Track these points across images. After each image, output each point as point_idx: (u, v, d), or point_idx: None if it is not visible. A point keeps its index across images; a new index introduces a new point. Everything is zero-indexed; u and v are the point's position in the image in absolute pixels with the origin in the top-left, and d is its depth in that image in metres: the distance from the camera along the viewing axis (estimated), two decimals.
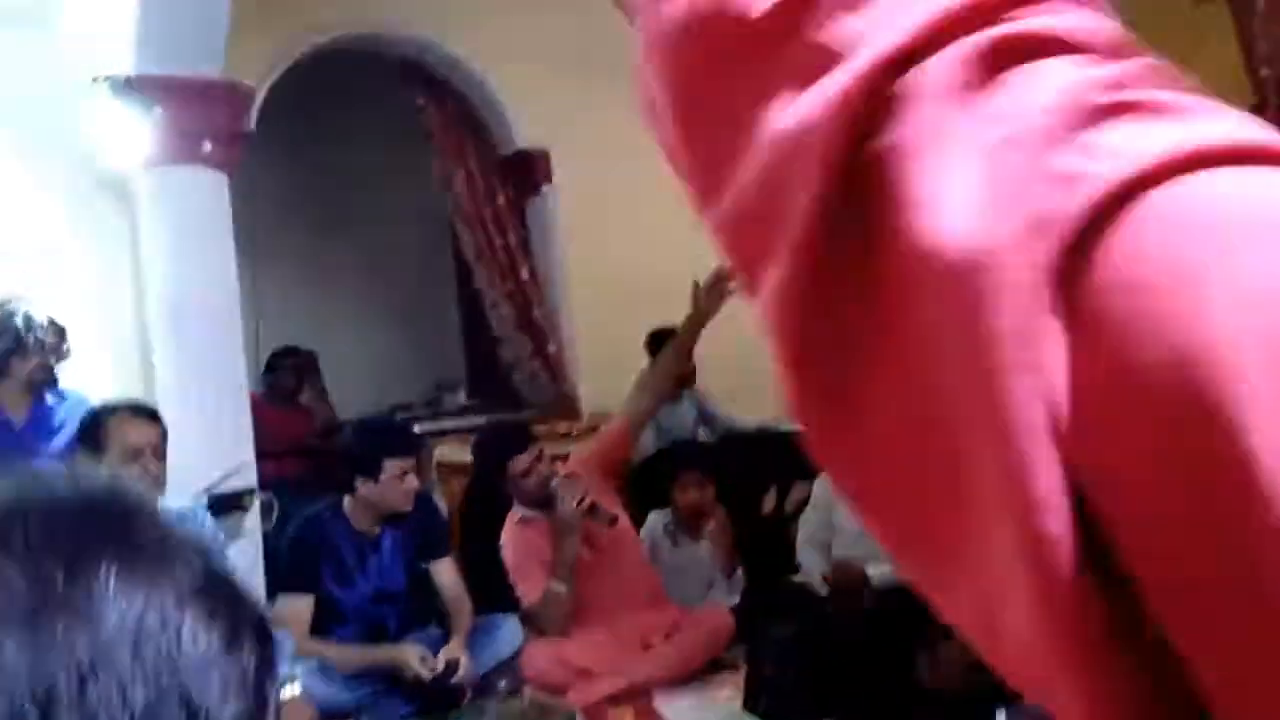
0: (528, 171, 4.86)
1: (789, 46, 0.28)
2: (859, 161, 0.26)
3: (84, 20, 3.60)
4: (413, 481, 2.78)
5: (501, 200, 4.85)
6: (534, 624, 2.95)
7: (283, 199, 5.24)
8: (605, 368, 4.60)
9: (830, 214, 0.26)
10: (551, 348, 4.78)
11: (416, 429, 4.44)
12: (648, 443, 4.49)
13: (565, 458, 3.37)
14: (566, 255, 4.90)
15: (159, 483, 2.43)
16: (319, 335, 5.33)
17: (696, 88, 0.31)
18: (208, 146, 3.50)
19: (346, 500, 2.82)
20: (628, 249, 4.98)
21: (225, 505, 3.11)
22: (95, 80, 3.36)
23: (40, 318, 2.97)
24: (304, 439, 4.74)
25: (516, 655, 2.84)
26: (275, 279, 5.34)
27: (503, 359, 4.88)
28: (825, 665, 2.44)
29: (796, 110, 0.27)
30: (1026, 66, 0.25)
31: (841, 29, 0.27)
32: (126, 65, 3.43)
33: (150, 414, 2.47)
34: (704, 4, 0.30)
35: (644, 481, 4.03)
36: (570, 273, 4.90)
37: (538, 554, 2.95)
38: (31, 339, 2.89)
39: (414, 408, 4.99)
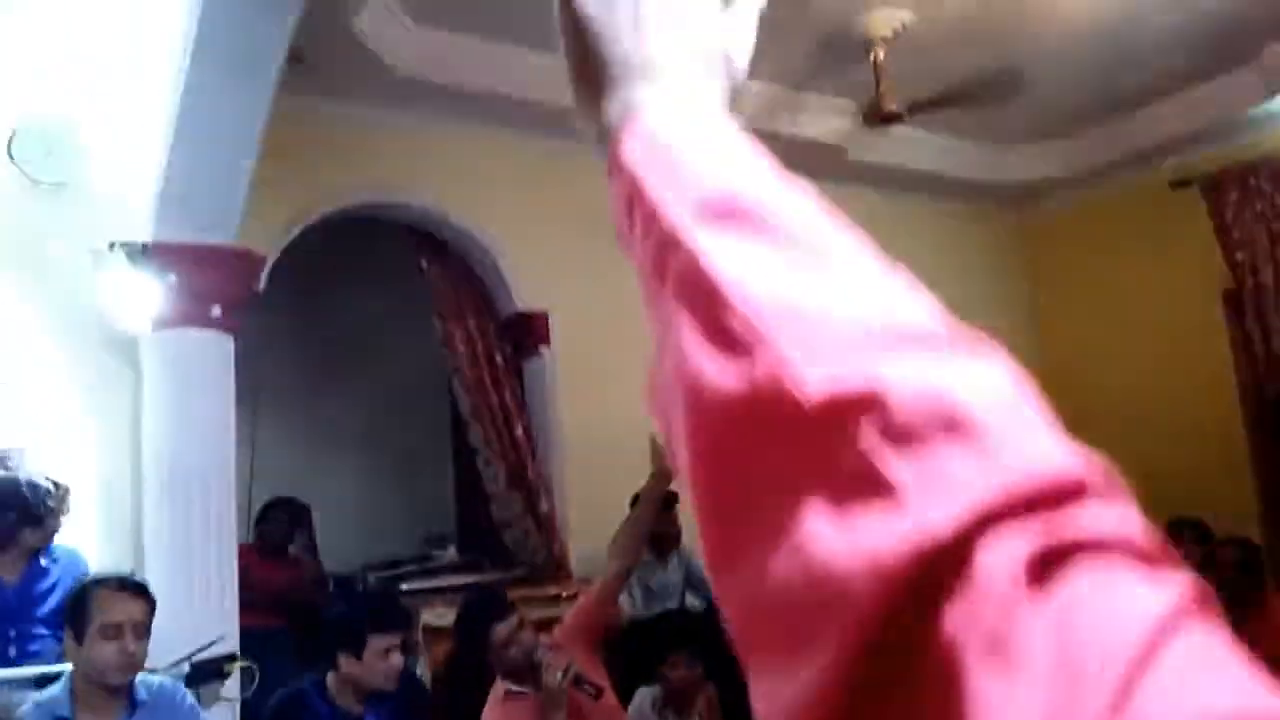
0: (526, 332, 4.97)
1: (835, 449, 0.29)
2: (903, 628, 0.26)
3: (107, 186, 3.78)
4: (397, 660, 2.74)
5: (500, 360, 4.95)
6: None
7: (285, 351, 5.34)
8: (597, 529, 4.58)
9: (866, 665, 0.26)
10: (544, 507, 4.78)
11: (404, 587, 4.42)
12: (637, 605, 4.46)
13: (551, 625, 3.34)
14: (562, 416, 4.96)
15: (137, 661, 2.41)
16: (312, 486, 5.34)
17: (728, 452, 0.32)
18: (217, 311, 3.61)
19: (330, 676, 2.78)
20: (623, 411, 5.01)
21: (206, 672, 3.07)
22: (113, 246, 3.49)
23: (44, 481, 3.00)
24: (290, 592, 4.71)
25: None
26: (273, 429, 5.39)
27: (495, 517, 4.87)
28: None
29: (836, 551, 0.27)
30: (1084, 573, 0.26)
31: (891, 462, 0.28)
32: (144, 231, 3.57)
33: (138, 588, 2.47)
34: (759, 376, 0.30)
35: (632, 648, 3.98)
36: (565, 434, 4.95)
37: None
38: (42, 508, 2.93)
39: (403, 564, 4.95)
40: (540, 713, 2.83)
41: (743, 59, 0.49)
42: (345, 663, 2.74)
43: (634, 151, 0.42)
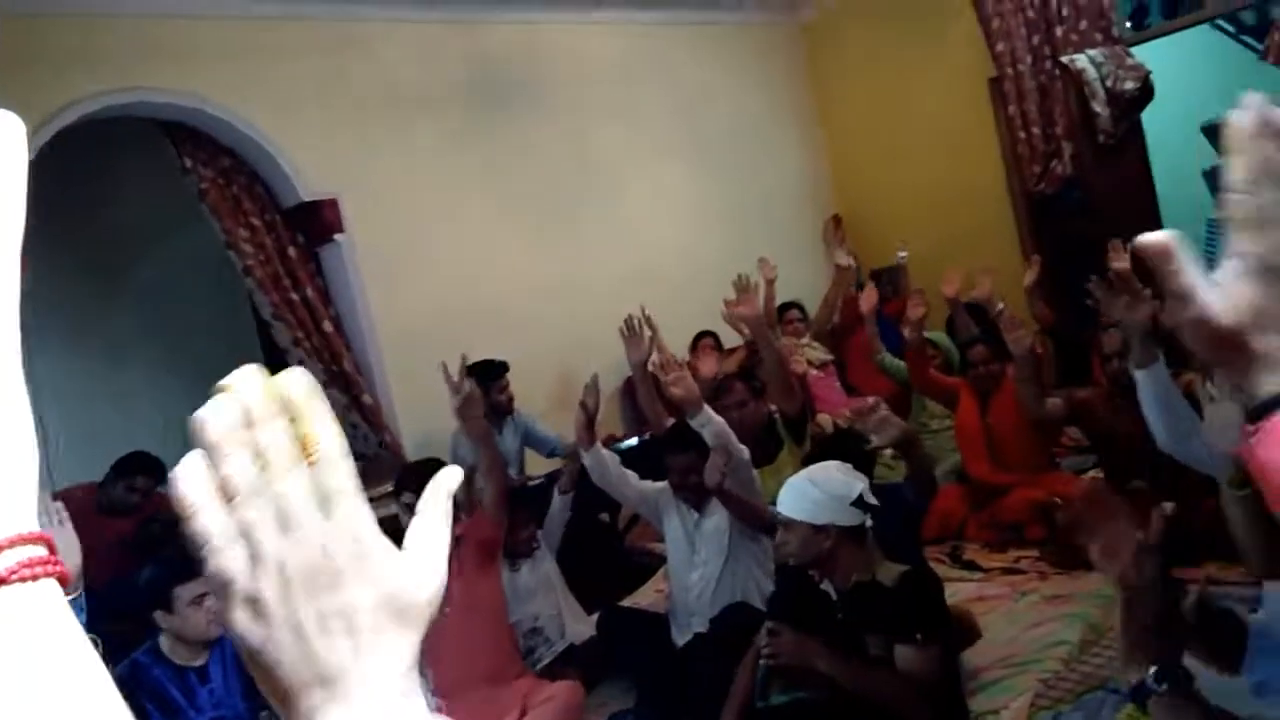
0: (316, 222, 4.74)
1: None
2: None
3: None
4: (212, 604, 2.74)
5: (293, 254, 4.72)
6: None
7: (54, 275, 4.90)
8: (424, 410, 4.61)
9: None
10: (367, 399, 4.74)
11: None
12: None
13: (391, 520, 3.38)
14: (369, 303, 4.84)
15: None
16: (115, 413, 5.07)
17: None
18: None
19: (160, 638, 2.78)
20: (430, 288, 4.98)
21: None
22: None
23: None
24: (138, 535, 4.50)
25: None
26: (55, 356, 5.03)
27: None
28: None
29: None
30: None
31: None
32: None
33: None
34: None
35: None
36: (376, 320, 4.85)
37: None
38: None
39: None
40: None
41: (425, 592, 0.52)
42: (163, 620, 2.74)
43: None
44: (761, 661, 2.48)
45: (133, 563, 4.30)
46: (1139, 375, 2.36)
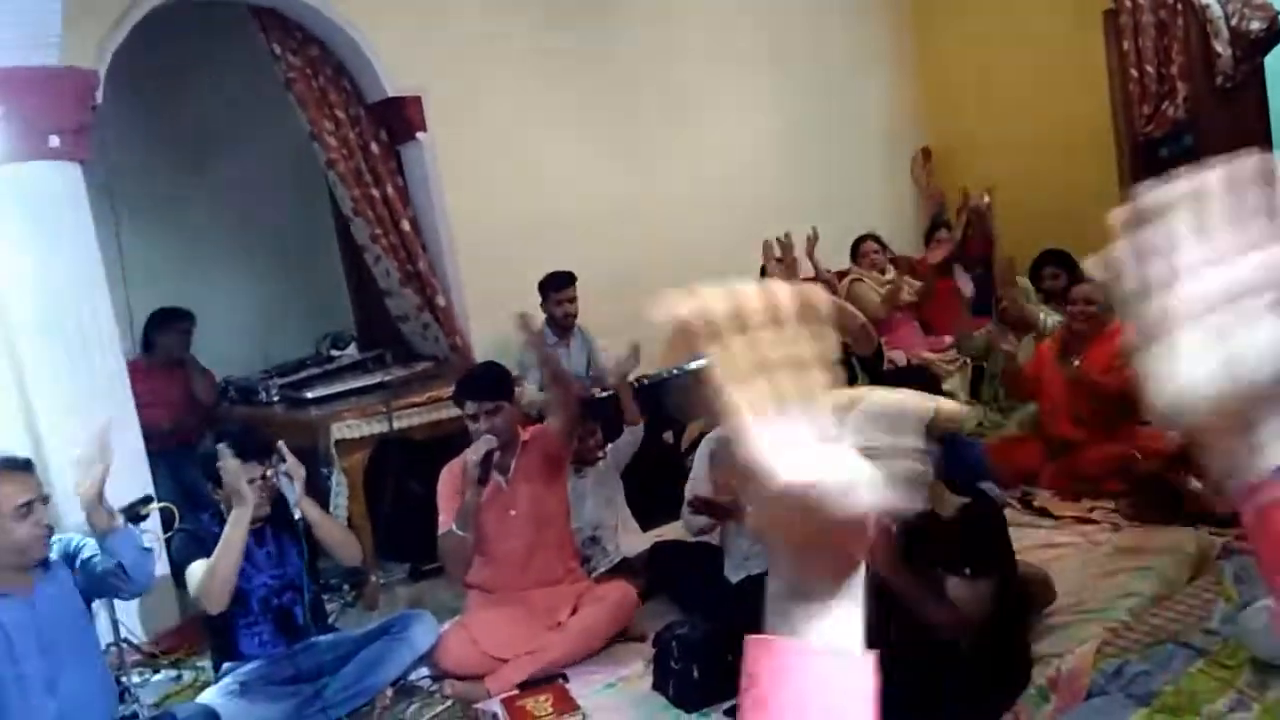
0: (400, 118, 4.70)
1: None
2: None
3: None
4: (258, 489, 2.83)
5: (376, 150, 4.70)
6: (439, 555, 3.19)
7: (137, 152, 4.94)
8: (496, 314, 4.59)
9: None
10: (440, 300, 4.73)
11: (310, 395, 4.40)
12: (544, 388, 4.54)
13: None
14: (447, 203, 4.80)
15: (48, 530, 2.45)
16: (192, 293, 5.13)
17: None
18: (55, 141, 3.30)
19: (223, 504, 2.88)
20: (507, 193, 4.93)
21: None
22: None
23: None
24: (188, 403, 4.69)
25: (433, 649, 2.95)
26: (141, 236, 5.09)
27: (392, 312, 4.82)
28: (729, 664, 2.62)
29: None
30: None
31: None
32: None
33: (23, 465, 2.45)
34: None
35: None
36: (453, 221, 4.82)
37: (455, 491, 3.07)
38: None
39: (304, 365, 4.89)
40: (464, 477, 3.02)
41: None
42: (217, 493, 2.88)
43: None
44: None
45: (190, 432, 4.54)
46: None
